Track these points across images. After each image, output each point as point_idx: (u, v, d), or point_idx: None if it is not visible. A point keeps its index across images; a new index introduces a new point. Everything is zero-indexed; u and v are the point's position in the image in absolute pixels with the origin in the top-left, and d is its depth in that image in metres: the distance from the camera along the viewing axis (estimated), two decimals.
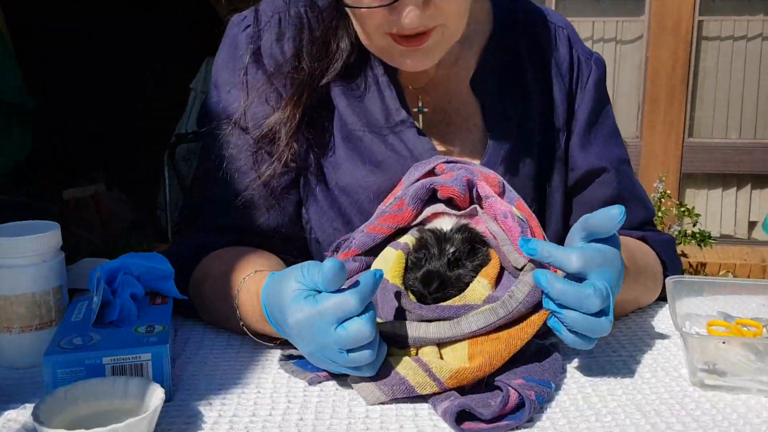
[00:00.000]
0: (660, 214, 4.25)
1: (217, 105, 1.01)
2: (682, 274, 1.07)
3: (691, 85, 5.06)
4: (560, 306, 0.72)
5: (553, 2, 4.94)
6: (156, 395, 0.67)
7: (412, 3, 0.80)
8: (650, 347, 0.88)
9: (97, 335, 0.75)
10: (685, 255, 4.45)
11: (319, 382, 0.78)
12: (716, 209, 5.12)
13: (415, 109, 1.01)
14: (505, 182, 0.89)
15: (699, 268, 4.52)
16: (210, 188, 1.01)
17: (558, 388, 0.77)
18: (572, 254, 0.73)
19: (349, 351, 0.70)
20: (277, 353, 0.85)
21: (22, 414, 0.71)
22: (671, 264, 1.04)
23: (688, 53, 4.90)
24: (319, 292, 0.71)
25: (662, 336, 0.92)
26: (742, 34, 4.96)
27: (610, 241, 0.76)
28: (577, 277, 0.74)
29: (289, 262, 0.97)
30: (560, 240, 1.07)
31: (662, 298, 1.04)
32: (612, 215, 0.73)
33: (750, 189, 5.07)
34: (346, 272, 0.70)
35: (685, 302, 0.93)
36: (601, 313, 0.73)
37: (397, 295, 0.78)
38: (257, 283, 0.82)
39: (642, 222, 1.07)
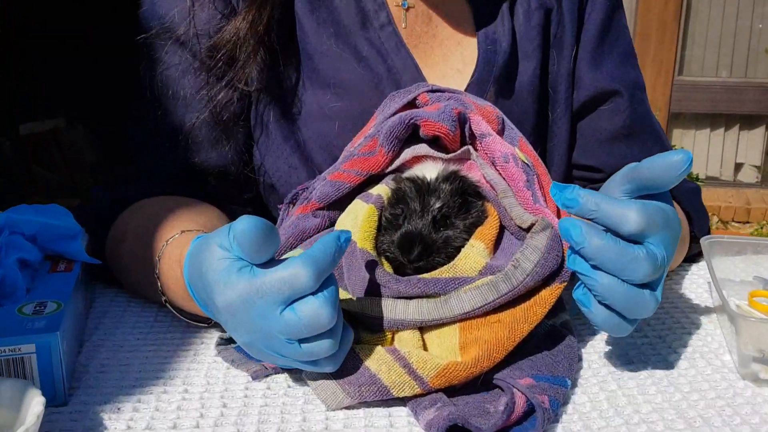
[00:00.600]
0: None
1: (149, 14, 0.79)
2: (709, 229, 0.90)
3: (682, 22, 4.85)
4: (594, 268, 0.55)
5: None
6: (34, 403, 0.49)
7: None
8: (682, 325, 0.71)
9: None
10: None
11: (266, 376, 0.60)
12: (703, 150, 4.98)
13: (397, 5, 0.82)
14: (505, 117, 0.70)
15: None
16: (139, 121, 0.81)
17: (574, 384, 0.60)
18: (630, 209, 0.54)
19: (301, 341, 0.52)
20: (215, 335, 0.67)
21: None
22: (698, 218, 0.87)
23: None
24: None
25: (693, 309, 0.75)
26: None
27: (663, 198, 0.58)
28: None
29: (237, 215, 0.79)
30: (565, 176, 0.88)
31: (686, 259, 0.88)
32: (674, 163, 0.54)
33: (738, 130, 4.93)
34: (273, 234, 0.52)
35: (718, 266, 0.76)
36: (646, 287, 0.55)
37: (369, 264, 0.60)
38: (181, 247, 0.63)
39: None
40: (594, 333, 0.69)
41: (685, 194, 0.87)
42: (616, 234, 0.55)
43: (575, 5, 0.85)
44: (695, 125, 5.25)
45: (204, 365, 0.62)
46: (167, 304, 0.67)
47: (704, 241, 0.75)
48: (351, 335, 0.56)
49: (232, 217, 0.80)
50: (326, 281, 0.52)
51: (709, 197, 4.37)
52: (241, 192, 0.84)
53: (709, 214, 4.48)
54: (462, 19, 0.84)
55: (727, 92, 5.19)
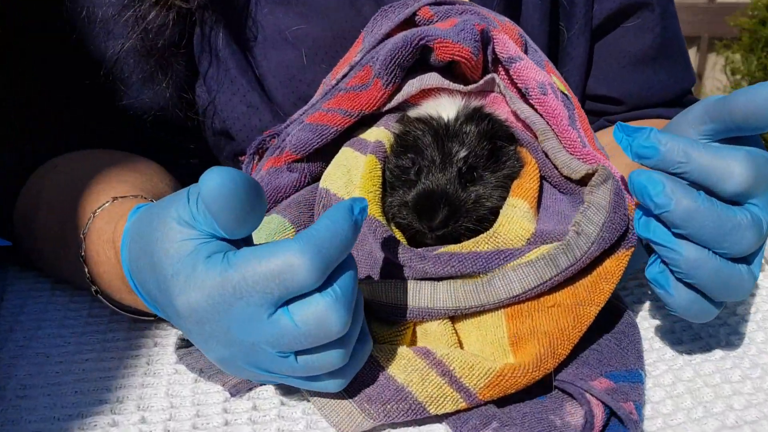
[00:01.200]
0: None
1: None
2: None
3: None
4: (677, 237, 0.42)
5: None
6: None
7: None
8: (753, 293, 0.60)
9: None
10: None
11: (250, 390, 0.46)
12: None
13: None
14: (527, 37, 0.55)
15: None
16: (42, 50, 0.62)
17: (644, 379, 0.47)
18: (735, 160, 0.41)
19: (298, 353, 0.38)
20: (172, 332, 0.52)
21: None
22: None
23: None
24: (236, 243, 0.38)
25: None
26: None
27: (755, 145, 0.45)
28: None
29: (185, 178, 0.62)
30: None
31: None
32: None
33: None
34: (258, 195, 0.37)
35: None
36: (742, 261, 0.43)
37: (379, 235, 0.45)
38: (115, 221, 0.47)
39: (684, 91, 0.76)
40: (640, 299, 0.57)
41: None
42: (710, 193, 0.42)
43: None
44: None
45: (163, 379, 0.47)
46: (100, 297, 0.51)
47: None
48: (369, 344, 0.42)
49: (176, 176, 0.64)
50: (338, 269, 0.38)
51: None
52: (182, 141, 0.67)
53: None
54: None
55: None
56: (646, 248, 0.45)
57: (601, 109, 0.76)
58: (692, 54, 5.44)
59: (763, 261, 0.48)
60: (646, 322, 0.54)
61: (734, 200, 0.42)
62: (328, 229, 0.37)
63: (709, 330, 0.53)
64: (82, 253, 0.49)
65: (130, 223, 0.41)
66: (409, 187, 0.48)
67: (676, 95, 0.76)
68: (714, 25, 4.20)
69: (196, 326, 0.38)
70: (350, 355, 0.39)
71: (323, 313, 0.36)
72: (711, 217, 0.40)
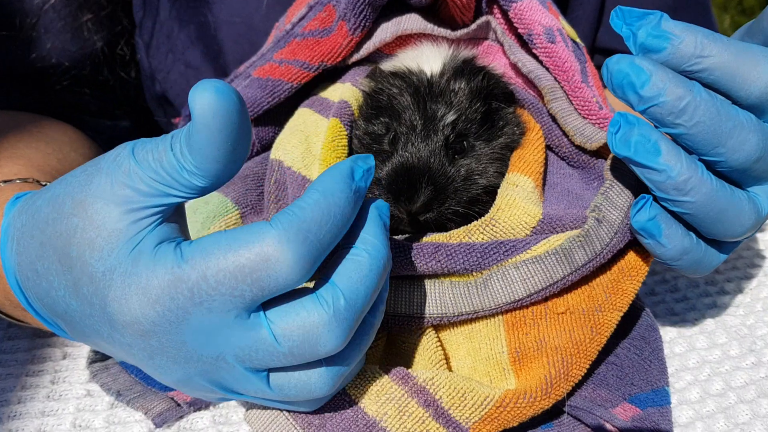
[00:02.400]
0: None
1: None
2: None
3: None
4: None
5: None
6: None
7: None
8: (765, 271, 0.52)
9: None
10: None
11: (180, 418, 0.36)
12: None
13: None
14: None
15: None
16: None
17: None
18: (765, 57, 0.32)
19: (271, 370, 0.29)
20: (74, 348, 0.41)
21: None
22: None
23: None
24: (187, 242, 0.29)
25: (760, 255, 0.56)
26: None
27: None
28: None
29: (103, 145, 0.52)
30: None
31: None
32: None
33: None
34: (248, 116, 0.28)
35: None
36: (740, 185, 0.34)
37: None
38: None
39: None
40: (652, 290, 0.48)
41: None
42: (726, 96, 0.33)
43: None
44: None
45: (70, 404, 0.37)
46: None
47: None
48: (362, 362, 0.32)
49: (107, 143, 0.53)
50: (339, 256, 0.29)
51: None
52: (110, 102, 0.56)
53: None
54: None
55: None
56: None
57: None
58: None
59: None
60: (660, 319, 0.46)
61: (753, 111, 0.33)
62: (317, 206, 0.28)
63: (728, 325, 0.45)
64: None
65: (10, 218, 0.31)
66: (383, 160, 0.38)
67: None
68: None
69: (138, 339, 0.28)
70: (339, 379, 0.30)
71: (313, 327, 0.27)
72: (709, 111, 0.31)
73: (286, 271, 0.26)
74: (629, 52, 0.68)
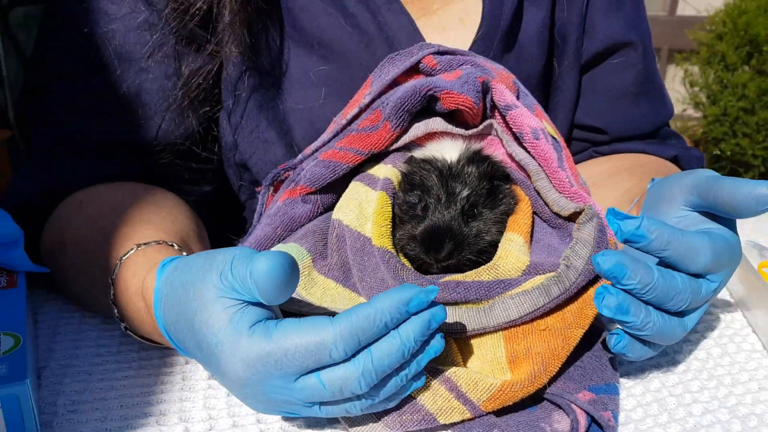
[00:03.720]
0: None
1: None
2: None
3: None
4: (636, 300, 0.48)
5: None
6: None
7: None
8: (719, 318, 0.68)
9: None
10: None
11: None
12: None
13: None
14: (520, 84, 0.62)
15: None
16: (75, 86, 0.67)
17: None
18: (703, 248, 0.48)
19: (323, 403, 0.44)
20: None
21: None
22: None
23: None
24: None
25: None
26: None
27: (730, 223, 0.52)
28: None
29: (203, 209, 0.68)
30: (566, 137, 0.81)
31: None
32: (759, 196, 0.48)
33: None
34: (297, 272, 0.42)
35: None
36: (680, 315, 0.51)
37: (391, 265, 0.51)
38: (144, 273, 0.52)
39: (662, 123, 0.84)
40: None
41: (690, 162, 0.83)
42: (675, 268, 0.49)
43: None
44: None
45: (199, 393, 0.53)
46: (129, 333, 0.56)
47: None
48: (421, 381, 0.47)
49: (194, 204, 0.69)
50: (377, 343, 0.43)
51: None
52: (200, 172, 0.73)
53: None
54: None
55: None
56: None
57: (588, 137, 0.83)
58: None
59: (723, 287, 0.55)
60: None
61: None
62: (368, 318, 0.41)
63: (674, 346, 0.60)
64: (112, 297, 0.54)
65: (159, 283, 0.47)
66: (417, 222, 0.54)
67: (655, 128, 0.84)
68: (674, 37, 4.33)
69: (237, 387, 0.44)
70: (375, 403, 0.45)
71: (347, 380, 0.42)
72: (662, 288, 0.47)
73: (336, 355, 0.41)
74: (596, 126, 0.85)
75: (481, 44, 0.71)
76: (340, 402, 0.44)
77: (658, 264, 0.49)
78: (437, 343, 0.45)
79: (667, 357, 0.59)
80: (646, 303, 0.48)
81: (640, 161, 0.79)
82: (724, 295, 0.70)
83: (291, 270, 0.41)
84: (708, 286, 0.50)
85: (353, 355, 0.42)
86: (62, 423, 0.49)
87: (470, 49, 0.71)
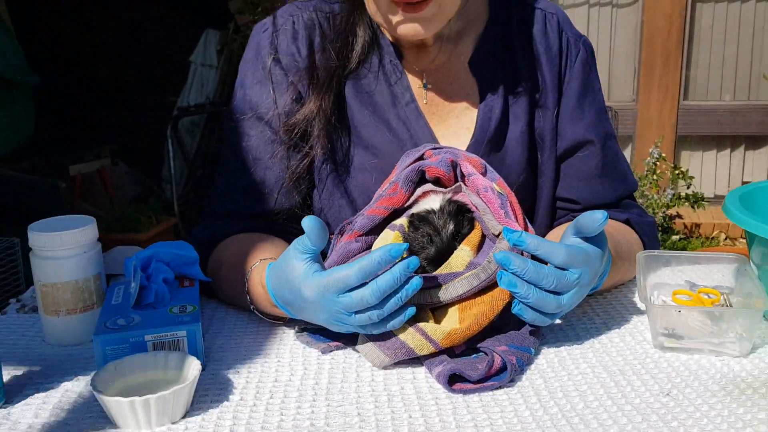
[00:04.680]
0: (655, 177, 4.35)
1: (241, 101, 1.12)
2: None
3: (685, 48, 5.10)
4: (519, 279, 0.82)
5: None
6: (194, 366, 0.79)
7: None
8: (622, 316, 1.00)
9: (137, 316, 0.86)
10: (680, 216, 4.56)
11: (330, 351, 0.90)
12: (711, 170, 5.20)
13: (419, 87, 1.12)
14: (488, 165, 0.99)
15: (693, 229, 4.64)
16: (231, 177, 1.12)
17: (537, 352, 0.88)
18: (560, 249, 0.83)
19: (356, 312, 0.81)
20: (289, 330, 0.97)
21: (77, 385, 0.83)
22: (650, 245, 1.15)
23: (683, 17, 4.93)
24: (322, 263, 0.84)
25: (633, 305, 1.04)
26: None
27: (597, 238, 0.87)
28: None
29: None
30: (551, 206, 1.16)
31: None
32: (595, 219, 0.83)
33: (743, 150, 5.15)
34: (324, 226, 0.81)
35: (657, 273, 1.04)
36: (556, 294, 0.84)
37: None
38: (260, 273, 0.93)
39: (621, 196, 1.17)
40: (553, 325, 0.97)
41: (643, 228, 1.15)
42: (545, 263, 0.83)
43: (555, 76, 1.13)
44: (702, 147, 5.47)
45: (288, 345, 0.92)
46: (255, 311, 0.97)
47: (640, 255, 1.03)
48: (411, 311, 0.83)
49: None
50: (379, 276, 0.80)
51: (719, 215, 4.59)
52: (296, 226, 1.15)
53: (718, 231, 4.69)
54: (469, 91, 1.13)
55: (732, 114, 5.41)
56: None
57: (566, 207, 1.17)
58: (764, 152, 5.58)
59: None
60: (551, 331, 0.95)
61: (563, 268, 0.83)
62: (369, 260, 0.79)
63: (587, 336, 0.93)
64: (246, 290, 0.96)
65: (269, 270, 0.88)
66: (423, 248, 0.91)
67: (617, 199, 1.17)
68: None
69: (311, 304, 0.82)
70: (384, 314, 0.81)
71: (364, 295, 0.79)
72: (535, 272, 0.81)
73: (354, 282, 0.78)
74: (572, 198, 1.24)
75: (473, 146, 1.09)
76: (364, 311, 0.80)
77: (533, 258, 0.83)
78: (416, 281, 0.80)
79: (579, 341, 0.92)
80: (528, 282, 0.82)
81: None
82: (642, 310, 1.01)
83: (321, 223, 0.80)
84: (570, 275, 0.83)
85: (366, 283, 0.79)
86: (216, 353, 0.90)
87: (466, 149, 1.10)
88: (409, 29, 0.99)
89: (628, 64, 5.48)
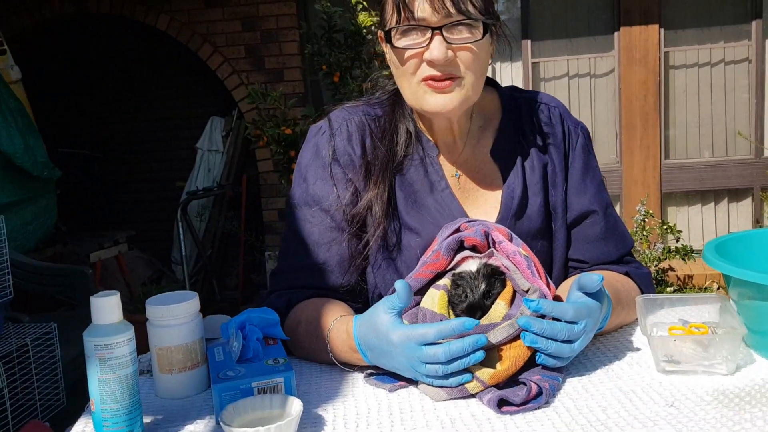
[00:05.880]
0: (645, 233, 4.60)
1: (305, 193, 1.35)
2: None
3: (663, 110, 5.45)
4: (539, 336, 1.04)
5: (529, 45, 5.35)
6: (296, 404, 0.99)
7: (437, 41, 1.17)
8: (628, 348, 1.21)
9: (242, 369, 1.07)
10: (672, 269, 4.78)
11: (396, 390, 1.11)
12: (697, 224, 5.47)
13: (452, 176, 1.36)
14: (512, 233, 1.23)
15: (686, 280, 4.85)
16: (296, 258, 1.35)
17: (564, 380, 1.09)
18: (568, 308, 1.05)
19: (426, 363, 1.02)
20: (358, 375, 1.18)
21: (198, 426, 1.03)
22: (647, 292, 1.38)
23: (657, 83, 5.30)
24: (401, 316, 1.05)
25: (637, 340, 1.26)
26: (705, 61, 5.38)
27: (596, 293, 1.09)
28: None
29: (355, 310, 1.31)
30: (564, 266, 1.38)
31: None
32: (594, 279, 1.06)
33: (727, 203, 5.43)
34: (411, 290, 1.03)
35: (655, 314, 1.26)
36: (569, 342, 1.06)
37: (442, 320, 1.11)
38: (345, 323, 1.15)
39: (623, 254, 1.40)
40: (578, 357, 1.19)
41: (641, 279, 1.38)
42: (558, 320, 1.05)
43: (561, 159, 1.38)
44: (687, 202, 5.76)
45: (360, 387, 1.13)
46: (332, 358, 1.18)
47: (638, 299, 1.25)
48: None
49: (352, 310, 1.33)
50: (453, 341, 1.02)
51: (708, 266, 4.83)
52: (357, 296, 1.37)
53: (710, 281, 4.94)
54: (494, 177, 1.37)
55: (712, 170, 5.71)
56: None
57: (577, 266, 1.39)
58: (747, 203, 5.91)
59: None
60: (576, 363, 1.16)
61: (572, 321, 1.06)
62: (446, 326, 1.01)
63: (601, 365, 1.14)
64: (328, 339, 1.17)
65: (356, 322, 1.10)
66: (461, 302, 1.13)
67: (618, 257, 1.40)
68: (763, 177, 4.76)
69: (394, 348, 1.03)
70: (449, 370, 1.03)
71: (436, 352, 1.00)
72: (550, 329, 1.03)
73: (431, 338, 1.01)
74: (581, 259, 1.50)
75: (500, 221, 1.32)
76: (433, 363, 1.01)
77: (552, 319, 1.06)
78: (479, 355, 1.02)
79: (596, 370, 1.13)
80: (546, 337, 1.04)
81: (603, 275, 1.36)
82: (644, 343, 1.23)
83: (408, 287, 1.02)
84: (578, 326, 1.05)
85: (439, 342, 1.01)
86: (302, 395, 1.10)
87: (494, 221, 1.33)
88: (438, 104, 1.23)
89: (610, 128, 5.82)
